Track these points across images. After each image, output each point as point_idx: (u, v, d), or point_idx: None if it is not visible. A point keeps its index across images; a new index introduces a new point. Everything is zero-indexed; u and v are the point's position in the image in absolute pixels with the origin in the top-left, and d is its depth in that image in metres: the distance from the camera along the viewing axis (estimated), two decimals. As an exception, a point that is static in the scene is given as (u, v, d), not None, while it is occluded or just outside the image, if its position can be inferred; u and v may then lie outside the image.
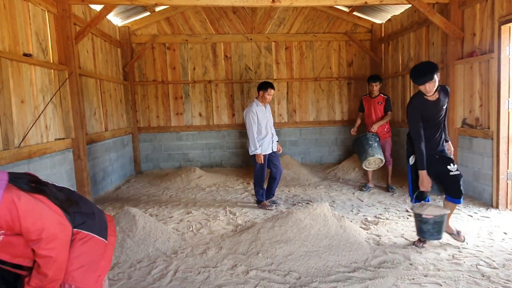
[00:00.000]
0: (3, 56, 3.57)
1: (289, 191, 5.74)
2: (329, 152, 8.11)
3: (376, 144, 5.36)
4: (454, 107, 5.22)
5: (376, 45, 7.92)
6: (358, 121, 6.00)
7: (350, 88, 8.15)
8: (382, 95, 5.62)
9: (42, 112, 4.22)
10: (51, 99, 4.44)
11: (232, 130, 7.91)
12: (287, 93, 8.03)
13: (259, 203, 4.88)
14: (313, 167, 7.36)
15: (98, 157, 5.80)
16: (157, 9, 7.40)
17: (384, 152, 5.50)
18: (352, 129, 5.92)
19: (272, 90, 4.69)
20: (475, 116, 4.92)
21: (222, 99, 7.89)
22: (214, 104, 7.88)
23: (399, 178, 6.30)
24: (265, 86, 4.67)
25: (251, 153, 4.67)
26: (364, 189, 5.63)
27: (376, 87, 5.56)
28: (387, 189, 5.56)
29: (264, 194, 4.87)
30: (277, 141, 4.90)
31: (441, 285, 2.70)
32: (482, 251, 3.27)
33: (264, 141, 4.68)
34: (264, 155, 4.70)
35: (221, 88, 7.87)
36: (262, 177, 4.79)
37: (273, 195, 5.02)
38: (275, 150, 4.85)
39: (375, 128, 5.47)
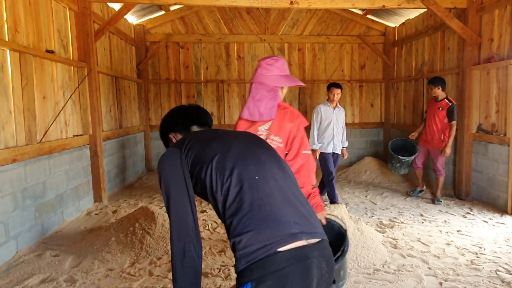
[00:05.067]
0: (28, 52, 3.62)
1: (301, 192, 5.75)
2: (339, 154, 8.11)
3: (403, 166, 5.46)
4: (469, 112, 5.22)
5: (389, 49, 7.92)
6: (421, 127, 5.35)
7: (361, 91, 8.16)
8: (446, 100, 4.94)
9: (62, 108, 4.27)
10: (71, 96, 4.49)
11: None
12: (299, 94, 8.04)
13: (332, 202, 4.85)
14: (324, 169, 7.36)
15: (113, 154, 5.85)
16: (172, 8, 7.45)
17: (435, 162, 5.05)
18: (412, 133, 5.35)
19: (336, 89, 4.70)
20: (491, 122, 4.92)
21: (234, 99, 7.92)
22: (226, 103, 7.91)
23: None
24: (328, 86, 4.82)
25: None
26: (413, 193, 5.39)
27: (431, 90, 5.00)
28: (434, 201, 5.06)
29: (334, 194, 4.86)
30: (344, 147, 4.92)
31: (461, 290, 2.72)
32: (500, 257, 3.28)
33: (323, 140, 4.74)
34: (324, 154, 4.75)
35: (233, 88, 7.90)
36: (330, 176, 4.78)
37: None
38: (336, 152, 4.82)
39: (448, 152, 4.87)
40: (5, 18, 3.40)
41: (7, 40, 3.38)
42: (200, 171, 1.30)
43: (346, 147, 4.99)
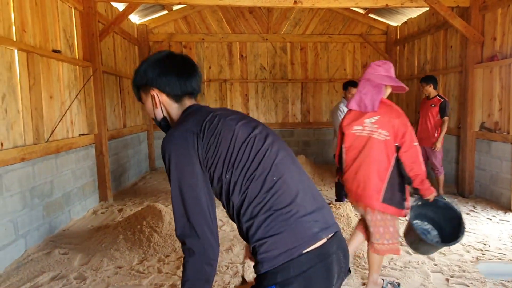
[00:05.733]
0: (35, 52, 3.65)
1: (305, 191, 5.78)
2: (342, 153, 8.14)
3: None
4: (472, 110, 5.25)
5: (391, 48, 7.94)
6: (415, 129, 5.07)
7: (364, 90, 8.17)
8: (438, 97, 4.99)
9: (69, 108, 4.30)
10: (77, 95, 4.51)
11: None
12: (301, 93, 8.07)
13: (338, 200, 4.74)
14: (327, 167, 7.39)
15: (117, 153, 5.87)
16: (175, 8, 7.47)
17: (431, 160, 4.99)
18: None
19: (353, 89, 4.41)
20: (494, 120, 4.95)
21: (237, 98, 7.94)
22: (229, 103, 7.94)
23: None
24: (345, 85, 4.59)
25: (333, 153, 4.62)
26: (416, 195, 5.25)
27: (424, 88, 5.02)
28: None
29: (344, 195, 4.67)
30: None
31: (468, 286, 2.75)
32: (505, 254, 3.31)
33: None
34: None
35: (236, 87, 7.92)
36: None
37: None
38: None
39: (438, 146, 4.88)
40: (12, 19, 3.43)
41: (15, 40, 3.41)
42: (217, 169, 1.19)
43: None
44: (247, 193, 1.17)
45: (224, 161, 1.18)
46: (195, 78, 1.35)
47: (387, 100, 2.53)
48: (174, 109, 1.35)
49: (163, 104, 1.35)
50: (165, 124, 1.39)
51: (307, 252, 1.12)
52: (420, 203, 2.57)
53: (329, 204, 4.65)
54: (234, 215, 1.21)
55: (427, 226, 2.68)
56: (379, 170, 2.42)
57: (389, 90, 2.55)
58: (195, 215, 1.16)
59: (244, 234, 1.19)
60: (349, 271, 1.28)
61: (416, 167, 2.42)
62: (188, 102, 1.36)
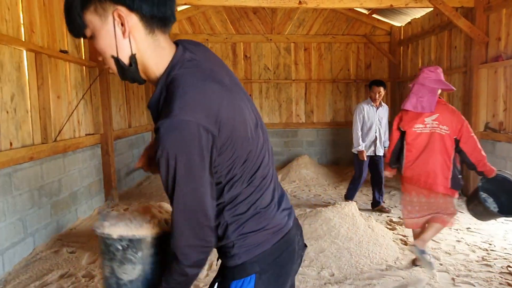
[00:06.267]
0: (43, 52, 3.68)
1: (309, 191, 5.80)
2: (346, 154, 8.12)
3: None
4: (477, 111, 5.25)
5: (394, 48, 7.95)
6: None
7: (367, 91, 8.17)
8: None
9: (75, 108, 4.33)
10: (83, 95, 4.55)
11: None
12: (305, 93, 8.09)
13: (346, 198, 4.87)
14: (331, 167, 7.41)
15: (123, 153, 5.91)
16: (179, 8, 7.49)
17: None
18: None
19: (377, 88, 4.49)
20: (498, 121, 4.95)
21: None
22: (233, 103, 7.95)
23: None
24: (369, 84, 4.64)
25: (352, 150, 4.64)
26: None
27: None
28: None
29: (354, 194, 4.77)
30: (386, 147, 4.58)
31: (474, 286, 2.76)
32: (510, 254, 3.32)
33: (364, 140, 4.56)
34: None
35: (240, 87, 7.94)
36: (359, 176, 4.66)
37: (379, 202, 4.70)
38: (378, 154, 4.61)
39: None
40: (21, 19, 3.46)
41: (23, 40, 3.44)
42: (223, 169, 1.00)
43: (387, 147, 4.68)
44: (240, 192, 1.05)
45: (231, 160, 1.00)
46: None
47: (441, 99, 2.91)
48: (149, 46, 0.94)
49: (132, 33, 0.92)
50: (136, 68, 0.96)
51: (279, 239, 1.13)
52: (484, 181, 2.96)
53: (334, 204, 4.67)
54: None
55: (486, 196, 3.10)
56: (445, 160, 2.83)
57: (439, 92, 2.88)
58: (202, 226, 0.97)
59: (223, 229, 1.06)
60: (305, 246, 1.29)
61: (477, 154, 2.81)
62: (162, 38, 0.97)
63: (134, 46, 0.94)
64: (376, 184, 4.69)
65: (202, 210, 0.95)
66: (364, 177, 4.71)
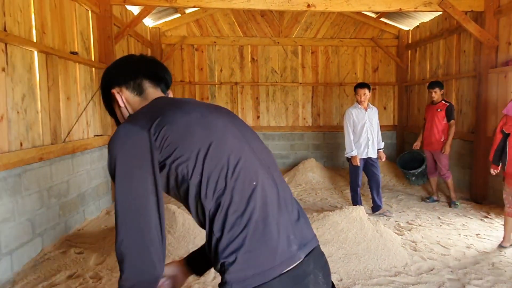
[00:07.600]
0: (54, 54, 3.71)
1: (316, 194, 5.78)
2: (352, 157, 8.12)
3: (419, 177, 5.99)
4: (486, 116, 5.21)
5: (402, 52, 7.92)
6: (421, 135, 5.41)
7: (374, 94, 8.16)
8: (443, 101, 5.07)
9: (84, 109, 4.36)
10: (92, 97, 4.58)
11: (256, 132, 7.98)
12: (312, 97, 8.08)
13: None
14: (337, 171, 7.38)
15: (130, 154, 5.93)
16: (187, 11, 7.54)
17: (438, 165, 5.08)
18: (415, 143, 5.49)
19: (361, 89, 4.52)
20: (508, 126, 4.89)
21: (248, 101, 7.98)
22: (240, 105, 7.98)
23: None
24: (354, 88, 4.66)
25: (345, 155, 4.66)
26: (428, 200, 5.31)
27: (435, 93, 5.03)
28: (450, 204, 5.06)
29: (358, 199, 4.71)
30: (380, 149, 4.67)
31: (485, 293, 2.72)
32: (521, 261, 3.27)
33: (357, 144, 4.55)
34: (359, 159, 4.54)
35: (247, 90, 7.96)
36: (355, 182, 4.65)
37: (379, 206, 4.67)
38: (372, 156, 4.59)
39: (447, 149, 4.94)
40: (33, 21, 3.50)
41: (35, 41, 3.48)
42: (181, 165, 0.98)
43: (382, 149, 4.70)
44: (222, 199, 0.99)
45: (193, 160, 0.99)
46: (154, 63, 1.20)
47: None
48: (137, 103, 1.15)
49: (127, 101, 1.16)
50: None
51: (283, 273, 0.98)
52: None
53: (341, 208, 4.64)
54: (205, 222, 1.01)
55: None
56: None
57: None
58: (143, 229, 0.96)
59: (213, 245, 1.00)
60: (333, 286, 1.14)
61: None
62: (153, 93, 1.16)
63: (130, 109, 1.18)
64: (374, 187, 4.69)
65: (143, 194, 0.98)
66: (360, 180, 4.70)
